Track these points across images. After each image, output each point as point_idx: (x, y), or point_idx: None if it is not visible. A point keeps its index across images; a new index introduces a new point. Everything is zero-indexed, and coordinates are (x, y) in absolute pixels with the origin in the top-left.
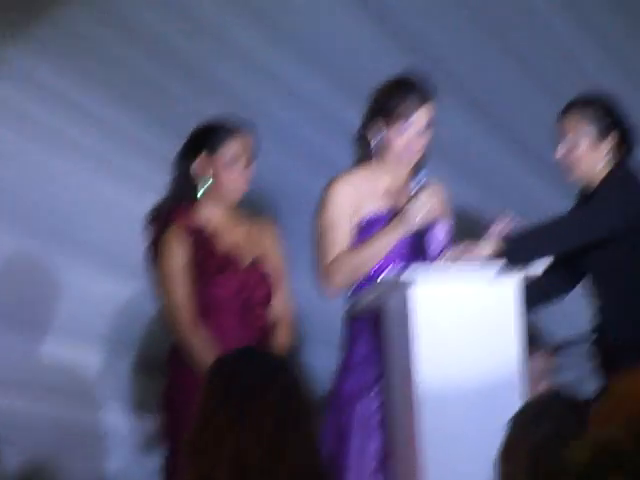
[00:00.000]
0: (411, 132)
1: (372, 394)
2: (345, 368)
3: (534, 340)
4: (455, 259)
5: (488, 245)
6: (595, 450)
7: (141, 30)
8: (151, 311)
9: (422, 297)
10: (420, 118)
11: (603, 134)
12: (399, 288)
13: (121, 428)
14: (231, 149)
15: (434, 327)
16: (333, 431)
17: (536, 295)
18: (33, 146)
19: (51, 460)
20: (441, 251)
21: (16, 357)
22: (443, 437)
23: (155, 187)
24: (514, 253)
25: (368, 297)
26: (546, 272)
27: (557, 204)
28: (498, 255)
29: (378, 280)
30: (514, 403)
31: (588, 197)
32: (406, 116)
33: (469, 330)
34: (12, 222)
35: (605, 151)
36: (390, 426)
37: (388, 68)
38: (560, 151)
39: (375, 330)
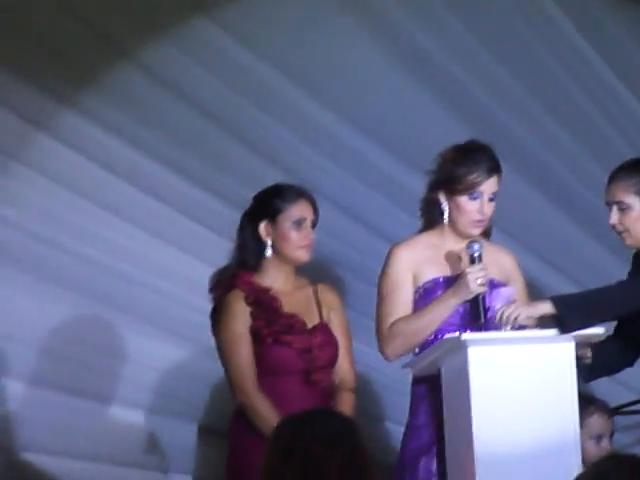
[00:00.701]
0: (478, 202)
1: (432, 454)
2: (410, 428)
3: (592, 401)
4: (508, 319)
5: (542, 306)
6: None
7: (198, 96)
8: (215, 376)
9: (479, 358)
10: (487, 189)
11: None
12: (456, 349)
13: None
14: (294, 214)
15: (491, 388)
16: None
17: (599, 366)
18: (92, 213)
19: None
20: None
21: (81, 423)
22: None
23: (213, 253)
24: (571, 317)
25: (426, 358)
26: (608, 343)
27: (618, 271)
28: (553, 317)
29: (437, 342)
30: (571, 465)
31: None
32: (474, 186)
33: (525, 391)
34: (76, 289)
35: None
36: None
37: (448, 136)
38: (612, 218)
39: (437, 392)
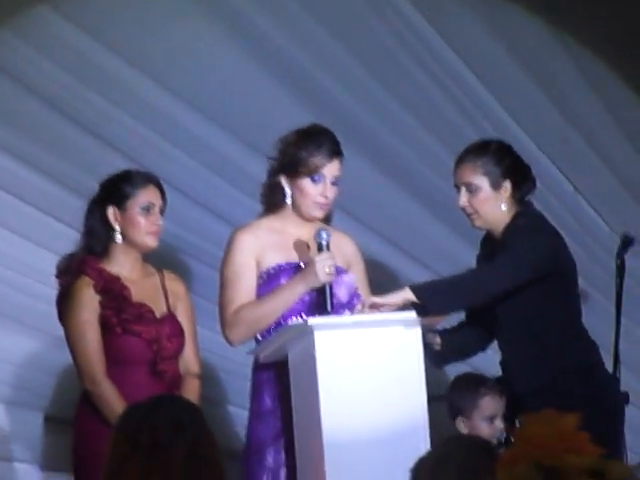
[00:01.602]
0: (320, 186)
1: (281, 443)
2: (254, 417)
3: (483, 382)
4: (365, 311)
5: (398, 295)
6: None
7: (38, 83)
8: (62, 365)
9: (326, 343)
10: (330, 172)
11: (499, 181)
12: (303, 335)
13: None
14: (142, 200)
15: (338, 373)
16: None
17: (452, 351)
18: None
19: None
20: (348, 302)
21: None
22: None
23: (57, 240)
24: (429, 305)
25: (273, 344)
26: (460, 328)
27: (465, 253)
28: (414, 305)
29: (283, 327)
30: (420, 448)
31: (495, 243)
32: (316, 170)
33: (373, 375)
34: None
35: (505, 196)
36: (299, 473)
37: (289, 120)
38: (461, 200)
39: (282, 378)
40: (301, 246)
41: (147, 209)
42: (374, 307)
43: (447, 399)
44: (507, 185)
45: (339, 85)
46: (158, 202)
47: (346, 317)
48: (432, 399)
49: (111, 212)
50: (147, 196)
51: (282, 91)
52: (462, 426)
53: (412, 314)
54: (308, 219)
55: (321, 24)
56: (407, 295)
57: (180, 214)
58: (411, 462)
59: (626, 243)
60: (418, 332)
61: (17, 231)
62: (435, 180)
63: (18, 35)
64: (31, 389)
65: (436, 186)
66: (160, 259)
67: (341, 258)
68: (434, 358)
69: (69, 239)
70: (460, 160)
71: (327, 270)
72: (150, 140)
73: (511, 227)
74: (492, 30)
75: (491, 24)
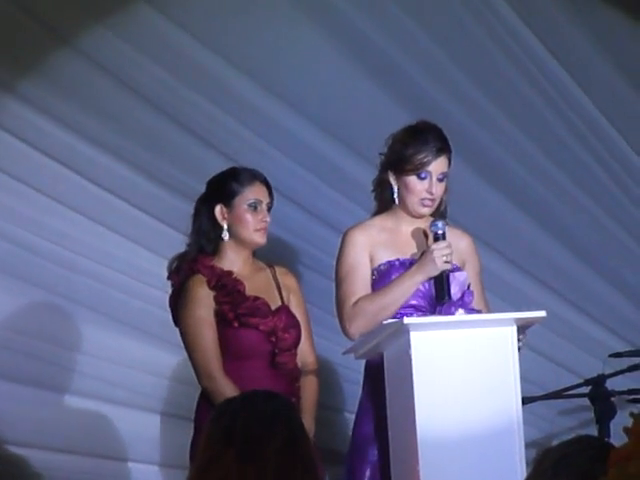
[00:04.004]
0: (426, 182)
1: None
2: (361, 412)
3: None
4: None
5: None
6: None
7: (139, 83)
8: (177, 365)
9: (422, 342)
10: (436, 169)
11: None
12: (399, 334)
13: None
14: (249, 197)
15: (434, 372)
16: (347, 475)
17: None
18: (39, 203)
19: None
20: (459, 300)
21: (45, 415)
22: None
23: (164, 241)
24: None
25: (368, 342)
26: None
27: (557, 253)
28: None
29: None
30: (513, 448)
31: None
32: (422, 166)
33: (468, 375)
34: (26, 280)
35: None
36: (393, 470)
37: (389, 122)
38: None
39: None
40: (409, 242)
41: (254, 206)
42: None
43: None
44: None
45: (440, 89)
46: (265, 199)
47: (442, 317)
48: (526, 400)
49: (218, 210)
50: (254, 193)
51: (382, 93)
52: None
53: (506, 314)
54: (416, 215)
55: (423, 29)
56: None
57: (282, 216)
58: (505, 462)
59: None
60: (514, 331)
61: (129, 236)
62: (540, 190)
63: (120, 35)
64: (150, 388)
65: (539, 194)
66: (268, 257)
67: (456, 255)
68: None
69: (177, 241)
70: None
71: (444, 258)
72: (253, 143)
73: None
74: (584, 27)
75: (582, 21)
